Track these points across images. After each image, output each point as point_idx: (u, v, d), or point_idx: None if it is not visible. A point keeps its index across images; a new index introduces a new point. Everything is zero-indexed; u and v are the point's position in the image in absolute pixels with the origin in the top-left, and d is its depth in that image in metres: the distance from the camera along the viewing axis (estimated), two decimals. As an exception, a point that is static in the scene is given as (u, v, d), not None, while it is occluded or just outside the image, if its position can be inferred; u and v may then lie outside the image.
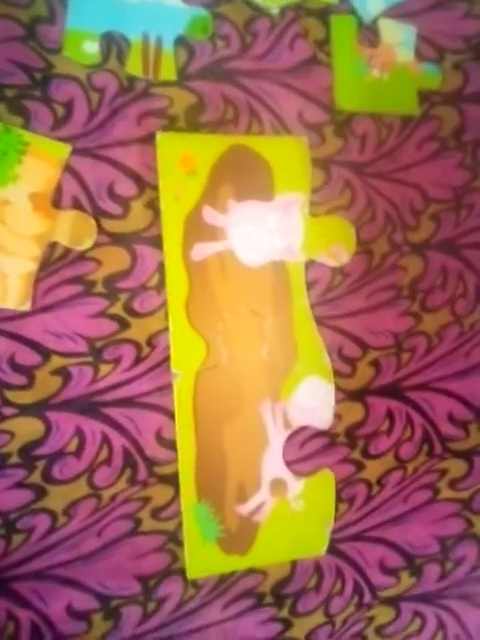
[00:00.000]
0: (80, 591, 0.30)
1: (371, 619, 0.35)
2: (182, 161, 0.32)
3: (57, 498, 0.30)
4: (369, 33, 0.37)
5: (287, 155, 0.33)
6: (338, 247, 0.34)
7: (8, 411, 0.29)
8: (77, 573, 0.30)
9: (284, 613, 0.33)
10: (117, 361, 0.31)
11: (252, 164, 0.33)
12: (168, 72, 0.32)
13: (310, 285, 0.34)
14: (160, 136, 0.31)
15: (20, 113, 0.30)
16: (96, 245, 0.31)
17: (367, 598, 0.35)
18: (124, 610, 0.31)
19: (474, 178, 0.38)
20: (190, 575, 0.31)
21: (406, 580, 0.36)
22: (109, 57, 0.32)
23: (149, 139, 0.32)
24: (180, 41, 0.33)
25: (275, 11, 0.35)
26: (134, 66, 0.32)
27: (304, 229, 0.34)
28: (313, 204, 0.34)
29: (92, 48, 0.31)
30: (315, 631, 0.34)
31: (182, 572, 0.31)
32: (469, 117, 0.38)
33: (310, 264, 0.34)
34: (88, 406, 0.30)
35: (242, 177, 0.33)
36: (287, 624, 0.33)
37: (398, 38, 0.37)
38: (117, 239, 0.31)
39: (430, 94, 0.37)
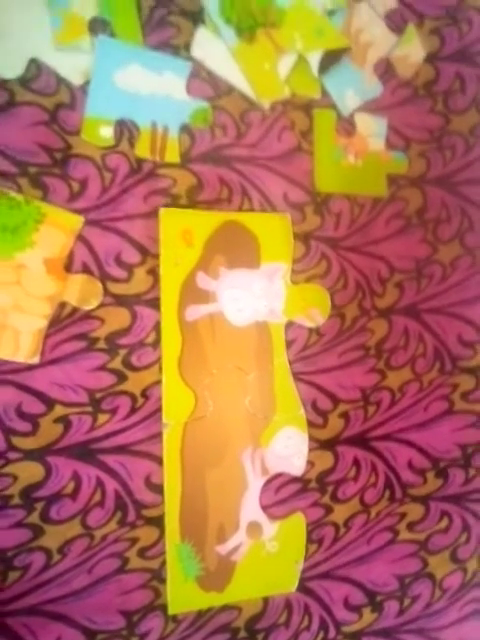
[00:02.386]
0: (69, 626, 0.32)
1: (335, 653, 0.38)
2: (182, 234, 0.36)
3: (53, 537, 0.32)
4: (346, 124, 0.42)
5: (272, 230, 0.38)
6: (315, 311, 0.38)
7: (13, 455, 0.32)
8: (67, 608, 0.32)
9: (256, 647, 0.36)
10: (114, 411, 0.34)
11: (242, 237, 0.37)
12: (172, 155, 0.36)
13: (289, 344, 0.37)
14: (163, 211, 0.35)
15: (40, 187, 0.33)
16: (101, 305, 0.34)
17: (332, 633, 0.38)
18: (109, 644, 0.33)
19: (434, 252, 0.43)
20: (171, 610, 0.33)
21: (368, 616, 0.39)
22: (121, 141, 0.36)
23: (153, 214, 0.35)
24: (184, 129, 0.37)
25: (266, 105, 0.40)
26: (143, 149, 0.36)
27: (285, 294, 0.38)
28: (294, 273, 0.38)
29: (107, 132, 0.35)
30: (284, 665, 0.36)
31: (164, 608, 0.33)
32: (431, 198, 0.43)
33: (289, 325, 0.38)
34: (85, 452, 0.33)
35: (233, 248, 0.37)
36: (258, 658, 0.36)
37: (371, 129, 0.42)
38: (120, 300, 0.34)
39: (397, 178, 0.42)
